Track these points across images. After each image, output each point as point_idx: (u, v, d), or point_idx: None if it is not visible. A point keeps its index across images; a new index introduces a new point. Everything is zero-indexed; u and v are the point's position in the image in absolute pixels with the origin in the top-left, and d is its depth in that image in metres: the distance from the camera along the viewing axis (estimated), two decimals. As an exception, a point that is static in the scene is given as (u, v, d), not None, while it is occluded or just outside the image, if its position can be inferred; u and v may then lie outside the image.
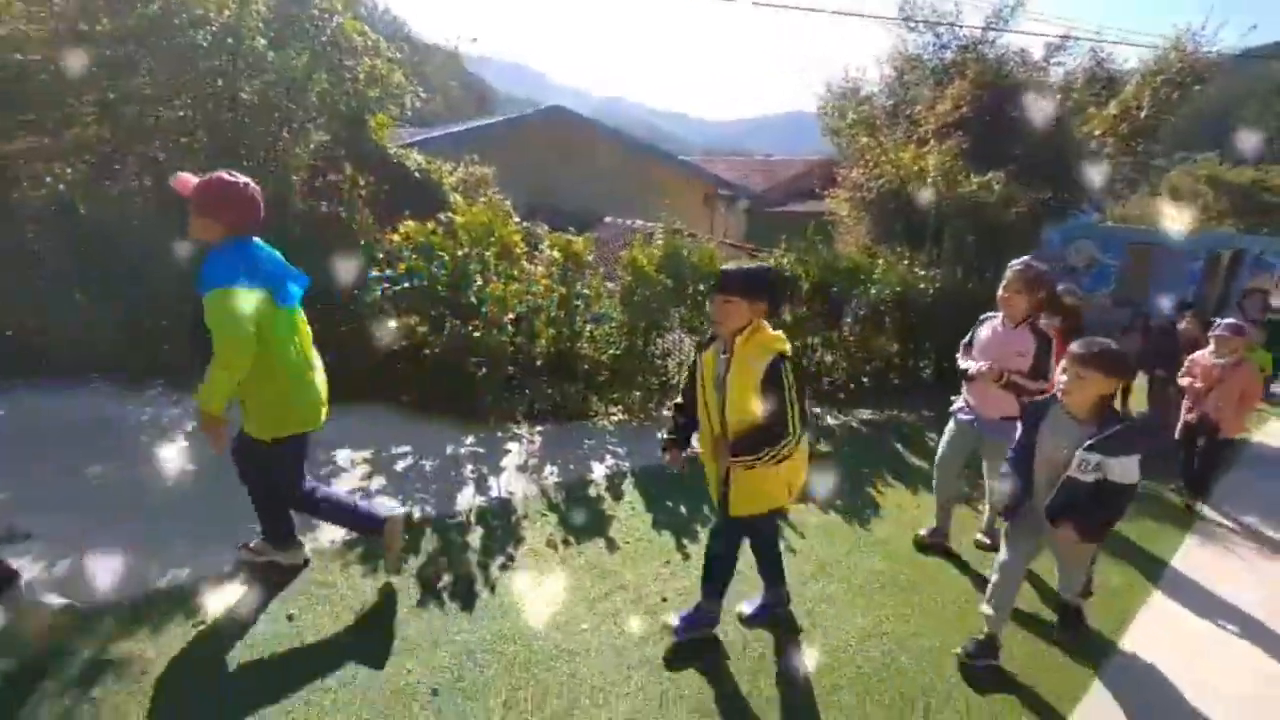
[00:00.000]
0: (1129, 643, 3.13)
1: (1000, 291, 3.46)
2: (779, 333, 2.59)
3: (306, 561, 3.05)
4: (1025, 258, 3.49)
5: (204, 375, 2.41)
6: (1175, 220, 27.27)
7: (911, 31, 11.53)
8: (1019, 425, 2.82)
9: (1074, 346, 2.57)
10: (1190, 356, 5.12)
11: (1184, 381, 5.09)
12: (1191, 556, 4.10)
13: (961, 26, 11.33)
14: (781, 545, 3.71)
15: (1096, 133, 9.98)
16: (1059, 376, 2.67)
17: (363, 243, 4.82)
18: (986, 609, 2.84)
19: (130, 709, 2.19)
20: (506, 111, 26.37)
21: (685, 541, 3.67)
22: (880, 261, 6.73)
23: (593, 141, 14.89)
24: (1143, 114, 9.77)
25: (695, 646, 2.78)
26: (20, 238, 4.58)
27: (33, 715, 2.13)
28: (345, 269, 4.66)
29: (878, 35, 14.60)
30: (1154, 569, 3.88)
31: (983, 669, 2.80)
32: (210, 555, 3.01)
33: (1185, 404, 5.09)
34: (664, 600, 3.12)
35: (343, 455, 4.20)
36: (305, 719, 2.25)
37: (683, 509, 4.04)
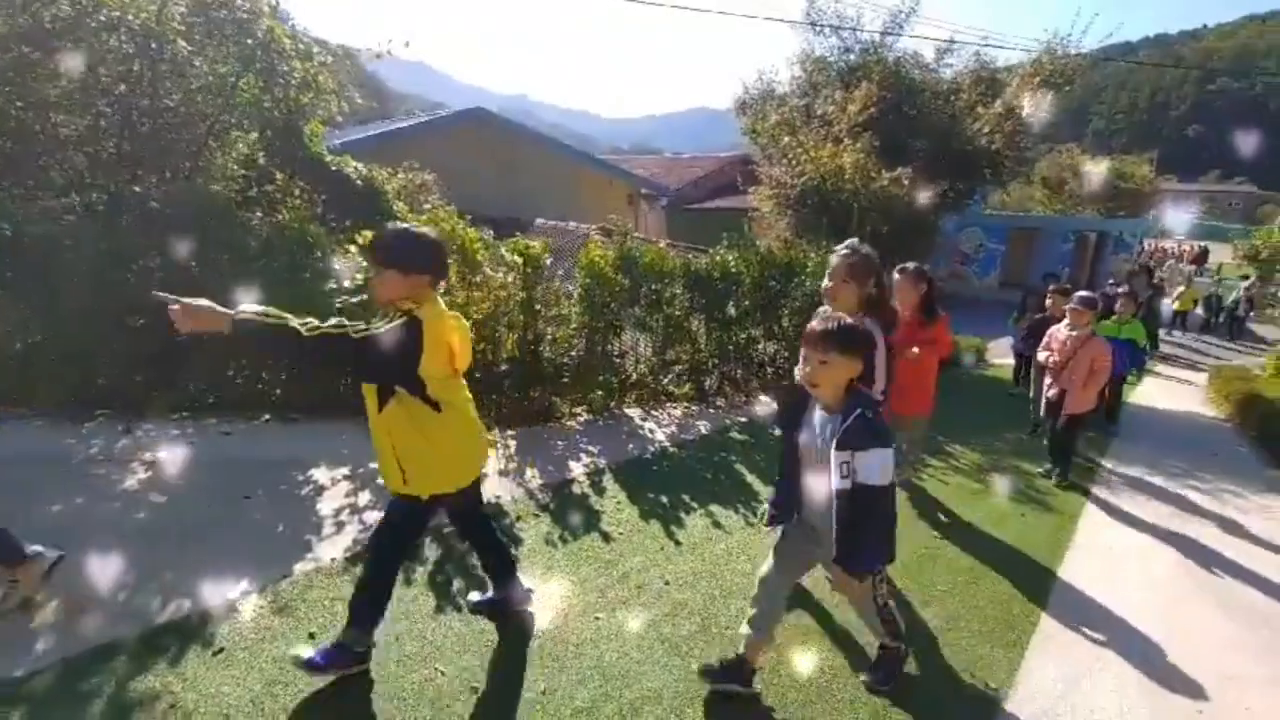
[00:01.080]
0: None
1: (825, 282, 3.04)
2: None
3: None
4: (852, 240, 3.08)
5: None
6: (1046, 207, 30.20)
7: (818, 35, 12.27)
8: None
9: (811, 325, 2.22)
10: (1049, 330, 5.20)
11: (1041, 356, 5.15)
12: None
13: (862, 31, 12.19)
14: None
15: (985, 129, 11.02)
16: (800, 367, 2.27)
17: (318, 254, 4.68)
18: (745, 629, 2.52)
19: (170, 743, 2.15)
20: (405, 112, 25.46)
21: (674, 528, 3.87)
22: (813, 256, 7.18)
23: (514, 144, 14.78)
24: (1023, 112, 10.89)
25: (711, 628, 2.98)
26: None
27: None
28: (301, 281, 4.52)
29: (783, 35, 15.33)
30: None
31: (720, 691, 2.51)
32: (207, 581, 2.92)
33: (1046, 380, 5.09)
34: (666, 583, 3.31)
35: (320, 474, 4.11)
36: (354, 730, 2.27)
37: (664, 499, 4.25)
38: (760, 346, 7.08)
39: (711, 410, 6.25)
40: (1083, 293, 5.17)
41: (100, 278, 4.24)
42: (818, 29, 12.23)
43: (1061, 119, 13.42)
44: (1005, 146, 11.19)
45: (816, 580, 3.16)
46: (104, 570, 2.93)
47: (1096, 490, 4.95)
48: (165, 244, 4.65)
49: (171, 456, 4.14)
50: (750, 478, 4.68)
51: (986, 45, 12.28)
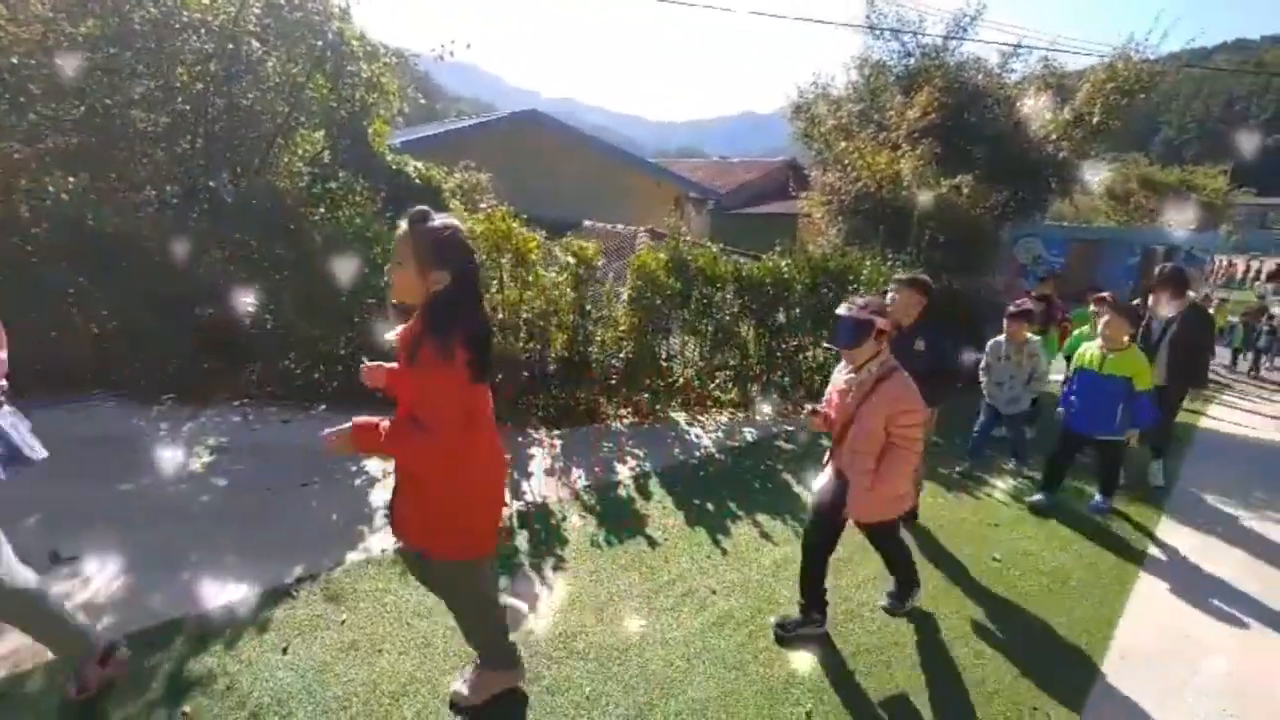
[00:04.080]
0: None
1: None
2: None
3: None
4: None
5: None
6: (1111, 218, 28.92)
7: (877, 39, 11.99)
8: None
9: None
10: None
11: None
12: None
13: (924, 35, 11.87)
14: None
15: (1053, 137, 10.58)
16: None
17: (376, 249, 4.79)
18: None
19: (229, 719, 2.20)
20: (458, 113, 26.07)
21: (720, 536, 3.80)
22: (868, 263, 7.01)
23: (564, 145, 14.92)
24: (1094, 119, 10.42)
25: (759, 641, 2.92)
26: (21, 250, 4.40)
27: (130, 734, 2.11)
28: (363, 276, 4.63)
29: (835, 38, 15.07)
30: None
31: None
32: (262, 568, 3.00)
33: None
34: (713, 592, 3.25)
35: (373, 465, 4.19)
36: (403, 723, 2.29)
37: (710, 505, 4.18)
38: (809, 354, 6.94)
39: (758, 418, 6.15)
40: (902, 278, 3.89)
41: (172, 269, 4.43)
42: (877, 33, 11.97)
43: (1129, 128, 12.82)
44: (1073, 155, 10.72)
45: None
46: (168, 550, 3.04)
47: (1167, 517, 4.66)
48: (233, 237, 4.83)
49: (234, 442, 4.28)
50: (798, 489, 4.57)
51: (1055, 50, 11.71)
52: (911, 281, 3.83)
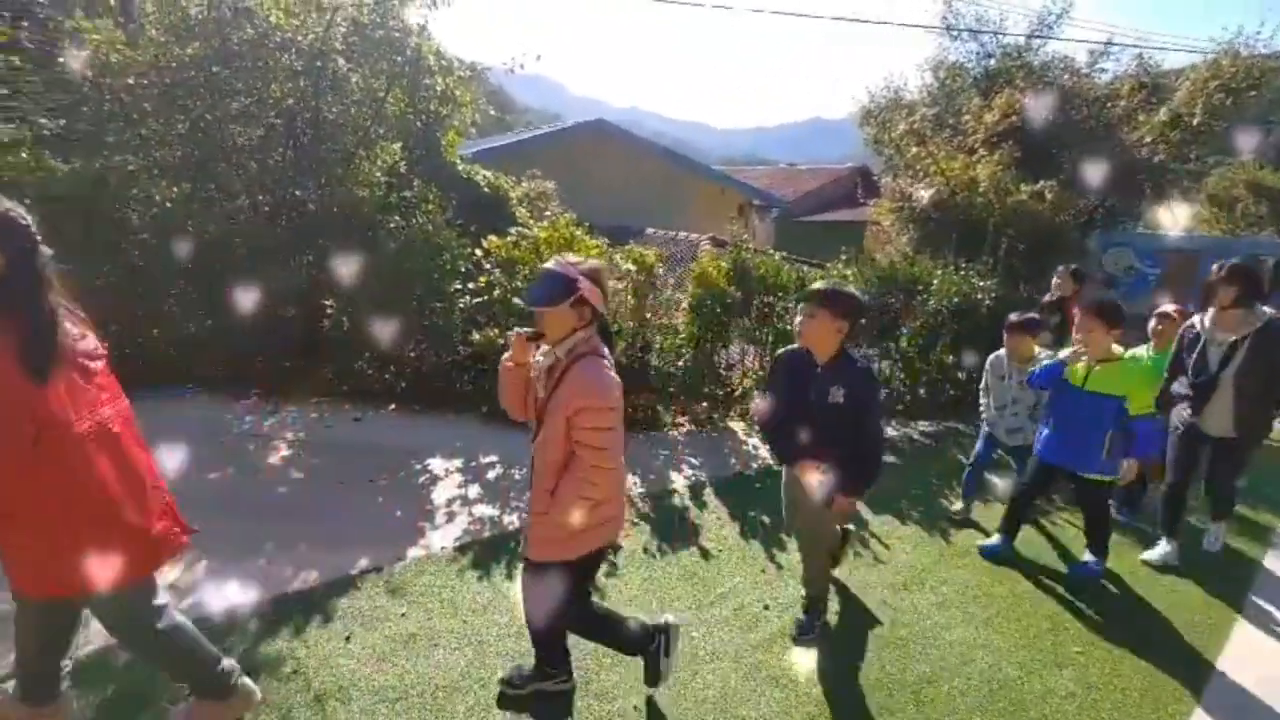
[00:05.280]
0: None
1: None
2: None
3: None
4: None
5: None
6: (1213, 226, 26.73)
7: (954, 40, 11.57)
8: None
9: None
10: None
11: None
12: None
13: (1004, 35, 11.37)
14: (870, 555, 3.79)
15: (1147, 140, 9.91)
16: None
17: (446, 256, 4.98)
18: None
19: (294, 702, 2.32)
20: (526, 124, 26.78)
21: (775, 551, 3.72)
22: (938, 272, 6.74)
23: (629, 154, 15.07)
24: (1195, 120, 9.69)
25: (807, 655, 2.84)
26: (129, 253, 4.80)
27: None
28: (431, 281, 4.82)
29: (908, 41, 14.61)
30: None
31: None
32: (329, 559, 3.15)
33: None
34: (766, 608, 3.18)
35: (436, 464, 4.34)
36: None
37: (765, 519, 4.10)
38: (875, 367, 6.72)
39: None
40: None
41: (261, 272, 4.73)
42: (954, 34, 11.55)
43: (1235, 128, 11.83)
44: (1170, 158, 9.99)
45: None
46: (246, 537, 3.23)
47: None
48: (316, 243, 5.12)
49: (310, 438, 4.53)
50: (859, 506, 4.43)
51: (1150, 47, 10.99)
52: (824, 296, 2.65)
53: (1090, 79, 10.92)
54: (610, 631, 2.44)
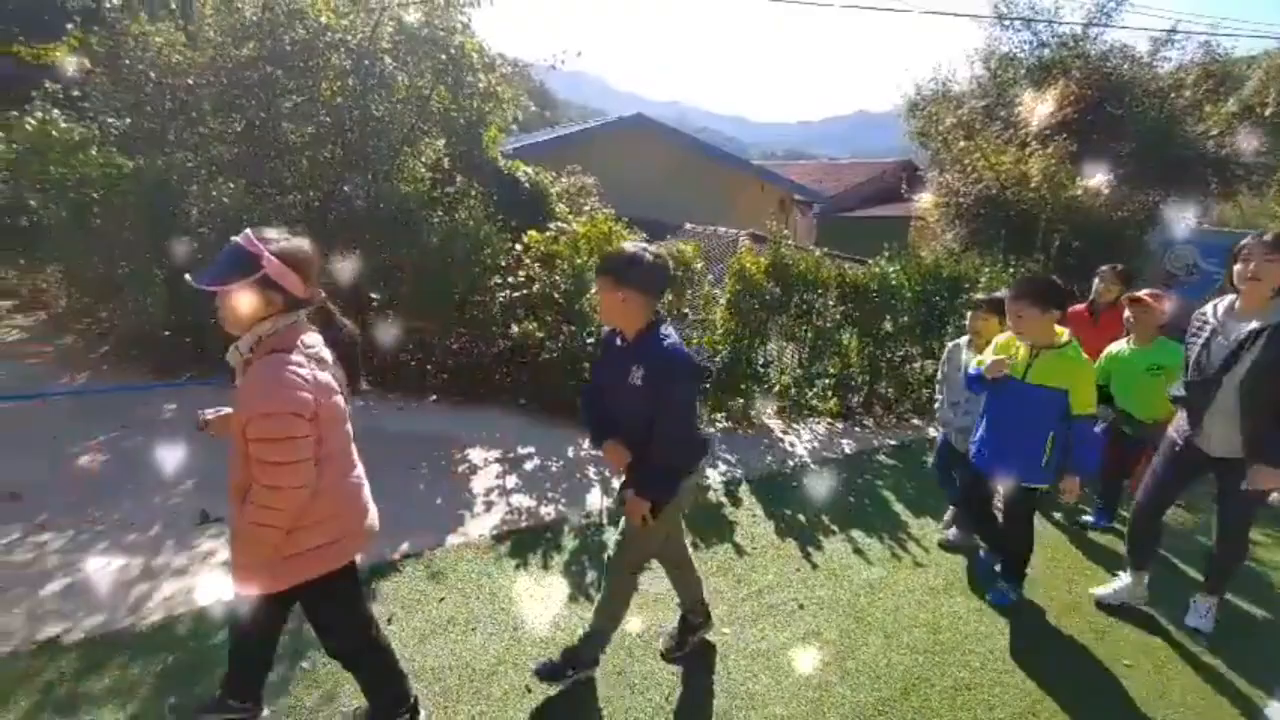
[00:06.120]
0: None
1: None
2: None
3: None
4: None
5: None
6: (1287, 223, 25.24)
7: (1006, 30, 11.19)
8: None
9: None
10: None
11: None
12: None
13: (1060, 23, 10.94)
14: (910, 558, 3.72)
15: (1214, 132, 9.42)
16: None
17: (487, 250, 5.06)
18: None
19: (340, 678, 2.41)
20: (567, 119, 26.95)
21: (811, 550, 3.69)
22: (986, 269, 6.55)
23: (669, 149, 15.03)
24: (1268, 111, 9.17)
25: (846, 662, 2.81)
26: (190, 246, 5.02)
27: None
28: (472, 275, 4.91)
29: (955, 32, 14.18)
30: None
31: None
32: (379, 542, 3.23)
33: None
34: (800, 606, 3.16)
35: (475, 454, 4.43)
36: (489, 697, 2.40)
37: (801, 517, 4.07)
38: (917, 365, 6.58)
39: (857, 429, 5.91)
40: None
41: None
42: (1005, 23, 11.16)
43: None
44: (1239, 152, 9.48)
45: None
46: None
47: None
48: (363, 238, 5.26)
49: (357, 426, 4.64)
50: (897, 506, 4.35)
51: (1217, 35, 10.40)
52: (604, 265, 2.31)
53: (1152, 68, 10.43)
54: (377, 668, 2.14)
